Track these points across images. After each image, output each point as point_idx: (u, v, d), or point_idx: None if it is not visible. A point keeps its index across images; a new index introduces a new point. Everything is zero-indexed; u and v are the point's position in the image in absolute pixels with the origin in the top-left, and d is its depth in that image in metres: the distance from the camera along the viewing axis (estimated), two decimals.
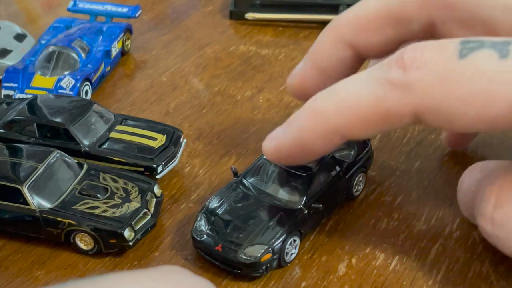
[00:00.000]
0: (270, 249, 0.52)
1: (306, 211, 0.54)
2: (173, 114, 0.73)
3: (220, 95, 0.76)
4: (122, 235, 0.54)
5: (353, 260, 0.54)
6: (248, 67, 0.81)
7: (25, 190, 0.55)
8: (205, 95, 0.76)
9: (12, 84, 0.73)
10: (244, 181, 0.57)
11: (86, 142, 0.62)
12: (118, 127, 0.64)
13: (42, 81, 0.73)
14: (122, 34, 0.82)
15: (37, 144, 0.61)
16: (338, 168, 0.57)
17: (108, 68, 0.79)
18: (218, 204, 0.55)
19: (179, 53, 0.84)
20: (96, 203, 0.56)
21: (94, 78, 0.76)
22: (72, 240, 0.55)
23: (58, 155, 0.58)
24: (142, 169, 0.61)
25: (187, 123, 0.71)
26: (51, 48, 0.75)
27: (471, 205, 0.50)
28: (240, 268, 0.52)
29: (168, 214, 0.59)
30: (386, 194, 0.61)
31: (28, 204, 0.55)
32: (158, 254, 0.56)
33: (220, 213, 0.54)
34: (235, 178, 0.58)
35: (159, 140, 0.63)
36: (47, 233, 0.55)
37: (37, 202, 0.55)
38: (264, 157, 0.57)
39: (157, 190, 0.58)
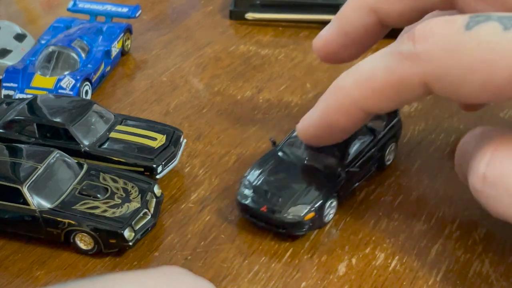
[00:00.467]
0: (312, 208, 0.55)
1: (343, 175, 0.57)
2: (173, 114, 0.73)
3: (220, 95, 0.76)
4: (122, 235, 0.54)
5: (353, 260, 0.54)
6: (248, 67, 0.81)
7: (25, 190, 0.55)
8: (205, 95, 0.76)
9: (12, 84, 0.73)
10: (284, 149, 0.60)
11: (86, 142, 0.62)
12: (118, 127, 0.64)
13: (42, 81, 0.73)
14: (122, 34, 0.82)
15: (37, 144, 0.61)
16: (371, 137, 0.61)
17: (108, 68, 0.79)
18: (259, 171, 0.58)
19: (179, 53, 0.84)
20: (96, 203, 0.56)
21: (94, 78, 0.76)
22: (72, 240, 0.55)
23: (58, 155, 0.58)
24: (142, 169, 0.61)
25: (187, 123, 0.71)
26: (51, 48, 0.75)
27: (466, 164, 0.50)
28: (285, 227, 0.55)
29: (168, 214, 0.59)
30: (386, 194, 0.61)
31: (28, 204, 0.55)
32: (158, 254, 0.56)
33: (262, 178, 0.57)
34: (274, 147, 0.61)
35: (159, 140, 0.63)
36: (47, 233, 0.55)
37: (37, 202, 0.55)
38: None
39: (157, 190, 0.58)
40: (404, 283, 0.52)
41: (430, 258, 0.54)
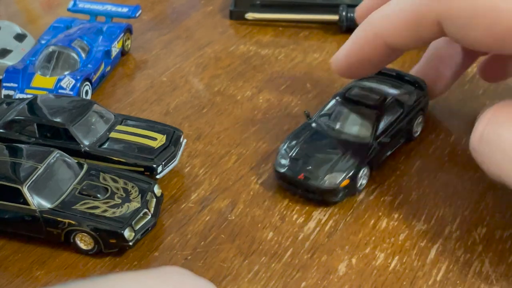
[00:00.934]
0: (347, 176, 0.58)
1: (374, 145, 0.61)
2: (173, 114, 0.73)
3: (220, 95, 0.76)
4: (122, 235, 0.54)
5: (353, 260, 0.54)
6: (248, 67, 0.81)
7: (25, 190, 0.55)
8: (205, 95, 0.76)
9: (12, 84, 0.73)
10: (317, 121, 0.63)
11: (86, 142, 0.62)
12: (118, 127, 0.64)
13: (42, 81, 0.73)
14: (122, 34, 0.82)
15: (37, 144, 0.61)
16: (401, 110, 0.64)
17: (108, 68, 0.79)
18: (296, 141, 0.61)
19: (179, 53, 0.84)
20: (96, 203, 0.56)
21: (94, 78, 0.76)
22: (72, 240, 0.55)
23: (58, 155, 0.58)
24: (142, 169, 0.61)
25: (187, 123, 0.71)
26: (51, 48, 0.75)
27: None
28: (322, 194, 0.59)
29: (168, 214, 0.60)
30: (386, 194, 0.61)
31: (28, 204, 0.55)
32: (158, 254, 0.56)
33: (298, 149, 0.61)
34: (308, 119, 0.64)
35: (159, 140, 0.63)
36: (47, 233, 0.55)
37: (37, 202, 0.55)
38: (333, 100, 0.64)
39: (157, 190, 0.58)
40: (404, 283, 0.52)
41: (430, 258, 0.54)
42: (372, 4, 0.62)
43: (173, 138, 0.64)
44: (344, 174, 0.58)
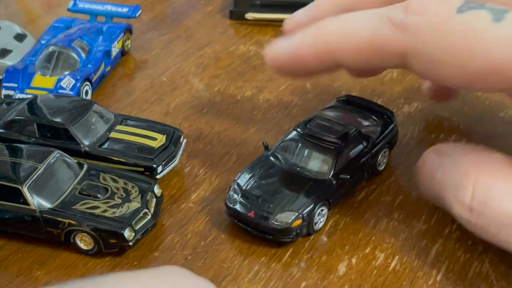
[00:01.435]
0: (300, 216, 0.54)
1: (334, 182, 0.57)
2: (173, 114, 0.73)
3: (220, 95, 0.76)
4: (122, 235, 0.54)
5: (353, 260, 0.54)
6: (248, 67, 0.81)
7: (25, 190, 0.55)
8: (205, 95, 0.76)
9: (12, 84, 0.73)
10: (275, 154, 0.60)
11: (86, 142, 0.62)
12: (118, 127, 0.64)
13: (42, 81, 0.73)
14: (122, 34, 0.82)
15: (37, 144, 0.61)
16: (364, 143, 0.60)
17: (108, 68, 0.79)
18: (250, 175, 0.58)
19: (179, 53, 0.84)
20: (96, 203, 0.56)
21: (94, 78, 0.76)
22: (72, 240, 0.55)
23: (58, 155, 0.58)
24: (142, 169, 0.61)
25: (187, 123, 0.71)
26: (51, 48, 0.75)
27: (438, 190, 0.50)
28: (272, 234, 0.55)
29: (168, 214, 0.59)
30: (386, 194, 0.61)
31: (28, 204, 0.55)
32: (158, 254, 0.56)
33: (252, 183, 0.57)
34: (266, 152, 0.60)
35: (159, 140, 0.63)
36: (47, 233, 0.55)
37: (37, 202, 0.55)
38: (294, 132, 0.60)
39: (157, 190, 0.58)
40: (404, 283, 0.52)
41: (430, 258, 0.54)
42: (304, 20, 0.57)
43: (173, 138, 0.64)
44: (297, 214, 0.54)
